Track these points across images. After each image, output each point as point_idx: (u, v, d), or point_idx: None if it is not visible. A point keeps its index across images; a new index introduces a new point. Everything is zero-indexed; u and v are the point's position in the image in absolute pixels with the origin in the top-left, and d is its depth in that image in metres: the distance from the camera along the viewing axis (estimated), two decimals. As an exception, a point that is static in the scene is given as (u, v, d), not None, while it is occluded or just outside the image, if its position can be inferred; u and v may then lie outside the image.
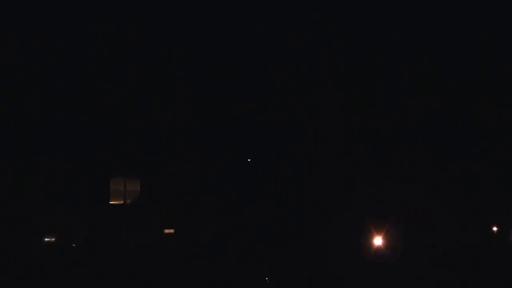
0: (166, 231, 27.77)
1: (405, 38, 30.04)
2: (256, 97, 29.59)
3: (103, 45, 27.96)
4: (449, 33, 30.06)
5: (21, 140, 26.86)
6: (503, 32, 29.81)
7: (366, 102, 30.18)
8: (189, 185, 28.50)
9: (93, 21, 27.67)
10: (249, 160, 29.76)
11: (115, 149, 28.04)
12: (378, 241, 27.80)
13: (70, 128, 27.48)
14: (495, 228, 29.44)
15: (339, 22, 29.45)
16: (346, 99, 30.00)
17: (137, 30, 28.18)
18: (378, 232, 27.76)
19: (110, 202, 27.75)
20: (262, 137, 29.87)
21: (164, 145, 28.75)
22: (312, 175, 29.54)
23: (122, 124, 28.29)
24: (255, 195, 28.80)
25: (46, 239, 26.71)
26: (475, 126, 30.44)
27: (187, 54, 29.03)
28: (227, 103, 29.33)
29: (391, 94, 30.28)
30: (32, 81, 27.11)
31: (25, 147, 26.86)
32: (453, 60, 30.40)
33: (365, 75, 30.19)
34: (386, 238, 27.62)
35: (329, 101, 29.88)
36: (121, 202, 27.87)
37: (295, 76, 29.85)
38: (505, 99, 30.30)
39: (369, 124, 30.25)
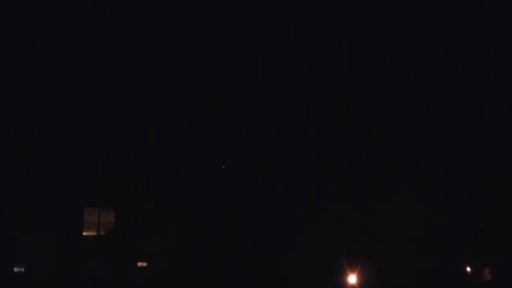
0: (139, 264, 27.37)
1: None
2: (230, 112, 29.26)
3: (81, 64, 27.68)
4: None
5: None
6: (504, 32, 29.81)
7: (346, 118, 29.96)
8: (164, 216, 28.14)
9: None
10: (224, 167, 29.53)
11: (89, 179, 27.59)
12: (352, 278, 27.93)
13: (44, 156, 26.99)
14: (468, 269, 29.56)
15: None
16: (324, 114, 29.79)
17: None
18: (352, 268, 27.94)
19: (84, 233, 27.28)
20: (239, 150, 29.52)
21: (139, 175, 28.37)
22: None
23: (96, 152, 27.90)
24: (232, 225, 28.52)
25: (15, 269, 26.14)
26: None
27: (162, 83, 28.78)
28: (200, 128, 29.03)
29: (367, 108, 30.04)
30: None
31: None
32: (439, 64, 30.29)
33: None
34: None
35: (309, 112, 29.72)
36: (95, 233, 27.41)
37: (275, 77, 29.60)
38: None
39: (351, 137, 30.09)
